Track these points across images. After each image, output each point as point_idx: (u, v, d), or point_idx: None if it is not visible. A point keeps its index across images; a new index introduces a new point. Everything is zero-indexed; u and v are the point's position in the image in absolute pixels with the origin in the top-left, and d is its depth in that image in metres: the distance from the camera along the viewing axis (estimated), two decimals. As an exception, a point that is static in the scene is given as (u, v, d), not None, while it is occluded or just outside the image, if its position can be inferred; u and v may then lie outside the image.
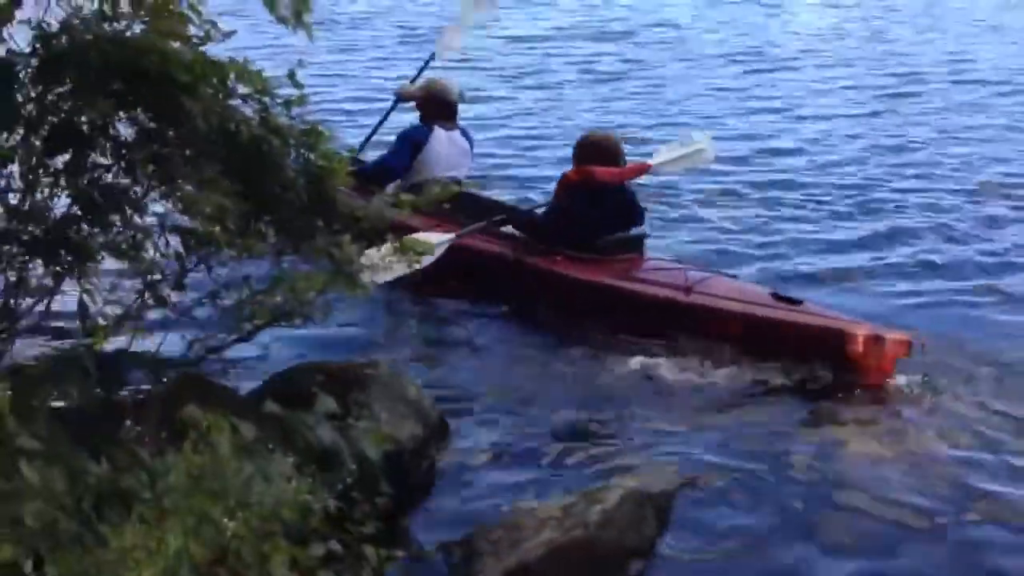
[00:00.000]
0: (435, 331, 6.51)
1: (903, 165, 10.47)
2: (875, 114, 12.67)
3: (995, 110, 13.20)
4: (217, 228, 4.45)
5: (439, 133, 7.53)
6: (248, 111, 4.49)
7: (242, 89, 4.49)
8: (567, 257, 6.68)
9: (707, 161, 7.30)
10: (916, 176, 10.13)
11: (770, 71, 14.97)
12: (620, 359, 6.15)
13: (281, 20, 4.80)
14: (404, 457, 4.94)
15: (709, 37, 17.35)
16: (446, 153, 7.43)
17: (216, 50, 4.43)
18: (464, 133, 7.84)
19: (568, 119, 11.77)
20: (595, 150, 6.73)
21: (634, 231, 6.98)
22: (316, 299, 4.58)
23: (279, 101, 4.51)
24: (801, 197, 9.32)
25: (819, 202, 9.23)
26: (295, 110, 4.58)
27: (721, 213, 8.81)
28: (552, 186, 7.26)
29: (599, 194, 6.61)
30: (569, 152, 7.02)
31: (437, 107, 7.63)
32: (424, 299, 6.65)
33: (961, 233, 8.56)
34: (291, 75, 4.80)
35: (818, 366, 5.82)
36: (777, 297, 6.20)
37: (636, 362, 6.10)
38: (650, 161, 6.94)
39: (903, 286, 7.42)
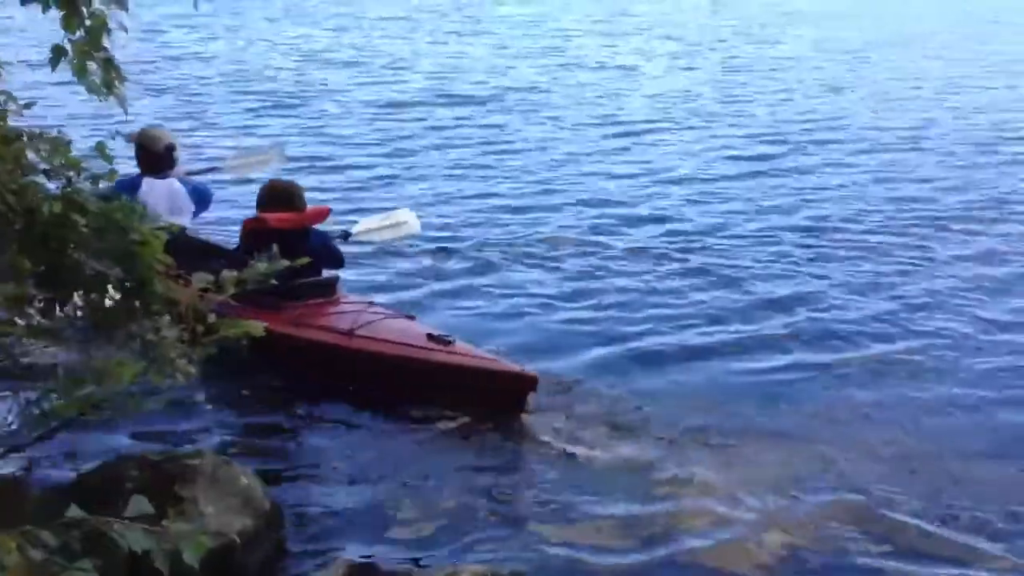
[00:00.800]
0: (264, 412, 6.18)
1: (763, 228, 10.67)
2: (734, 176, 12.89)
3: (849, 167, 13.70)
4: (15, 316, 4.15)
5: (149, 183, 7.40)
6: (52, 186, 4.22)
7: (43, 165, 4.24)
8: (246, 304, 6.47)
9: (412, 233, 7.81)
10: (771, 237, 10.31)
11: (630, 135, 15.15)
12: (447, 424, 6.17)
13: (92, 91, 4.66)
14: (235, 553, 4.64)
15: (568, 101, 17.50)
16: (154, 203, 7.16)
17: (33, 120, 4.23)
18: (184, 182, 7.71)
19: (425, 185, 11.65)
20: (270, 196, 6.88)
21: (325, 275, 7.04)
22: (127, 390, 4.25)
23: (85, 176, 4.27)
24: (660, 265, 9.32)
25: (677, 267, 9.26)
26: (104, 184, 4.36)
27: (578, 285, 8.77)
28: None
29: (278, 240, 6.44)
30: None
31: (146, 158, 7.54)
32: (249, 380, 6.32)
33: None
34: (100, 147, 4.56)
35: (470, 403, 6.16)
36: (431, 337, 6.42)
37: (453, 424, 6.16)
38: (352, 229, 7.38)
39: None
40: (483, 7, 31.85)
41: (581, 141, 14.64)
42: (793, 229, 10.68)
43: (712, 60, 23.65)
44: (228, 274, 4.70)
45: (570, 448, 5.86)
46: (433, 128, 14.72)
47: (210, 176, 8.19)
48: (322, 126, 14.52)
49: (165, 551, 3.79)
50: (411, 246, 9.17)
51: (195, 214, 7.64)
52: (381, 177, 11.91)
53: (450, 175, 12.27)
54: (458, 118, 15.57)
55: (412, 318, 6.92)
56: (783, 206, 11.65)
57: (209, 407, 6.08)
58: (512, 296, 8.37)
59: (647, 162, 13.55)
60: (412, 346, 6.37)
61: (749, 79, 21.03)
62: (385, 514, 5.24)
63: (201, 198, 7.70)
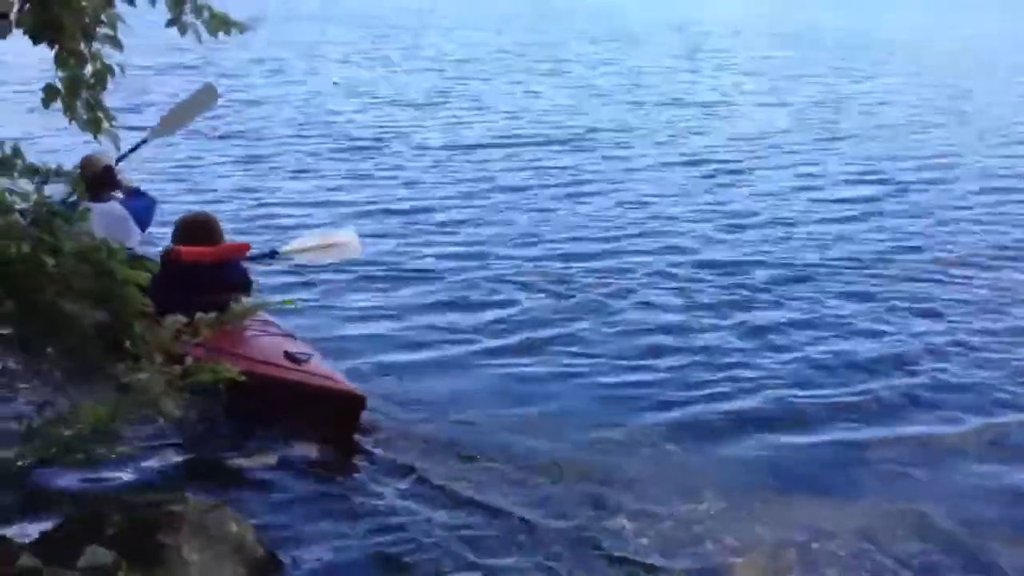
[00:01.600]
0: (255, 454, 5.96)
1: (849, 273, 10.04)
2: (821, 219, 12.18)
3: (958, 209, 13.06)
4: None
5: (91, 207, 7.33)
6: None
7: (18, 203, 4.24)
8: None
9: (353, 255, 7.71)
10: (854, 283, 9.76)
11: (711, 174, 14.65)
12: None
13: (82, 128, 4.69)
14: (220, 603, 4.52)
15: (647, 141, 17.13)
16: (98, 228, 7.09)
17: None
18: (126, 205, 7.70)
19: (503, 227, 11.36)
20: (185, 230, 6.88)
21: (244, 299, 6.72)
22: (102, 432, 4.17)
23: (59, 217, 4.24)
24: (746, 312, 8.86)
25: (763, 317, 8.75)
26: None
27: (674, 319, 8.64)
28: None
29: (191, 271, 6.55)
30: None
31: (88, 182, 7.20)
32: (240, 420, 6.21)
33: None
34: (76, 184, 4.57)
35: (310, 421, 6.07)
36: (287, 355, 6.36)
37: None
38: (282, 248, 7.31)
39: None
40: (558, 47, 31.79)
41: (660, 181, 14.07)
42: (887, 277, 9.98)
43: (797, 95, 23.00)
44: (203, 317, 4.61)
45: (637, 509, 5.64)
46: (509, 170, 14.30)
47: (140, 150, 8.04)
48: (396, 168, 14.28)
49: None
50: (494, 287, 9.11)
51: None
52: (457, 221, 11.54)
53: (527, 216, 11.92)
54: (534, 159, 15.18)
55: (291, 336, 6.82)
56: (873, 250, 11.02)
57: (195, 450, 5.94)
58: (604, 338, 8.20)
59: (724, 203, 12.92)
60: (257, 361, 6.18)
61: (834, 115, 20.42)
62: (387, 561, 5.05)
63: (143, 217, 7.73)
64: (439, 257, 9.97)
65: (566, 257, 10.20)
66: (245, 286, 6.93)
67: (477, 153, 15.52)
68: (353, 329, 8.04)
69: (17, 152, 4.77)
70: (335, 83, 22.33)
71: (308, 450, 6.08)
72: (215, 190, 12.31)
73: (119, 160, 7.80)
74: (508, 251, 10.38)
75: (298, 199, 12.09)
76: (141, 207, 7.81)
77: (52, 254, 4.15)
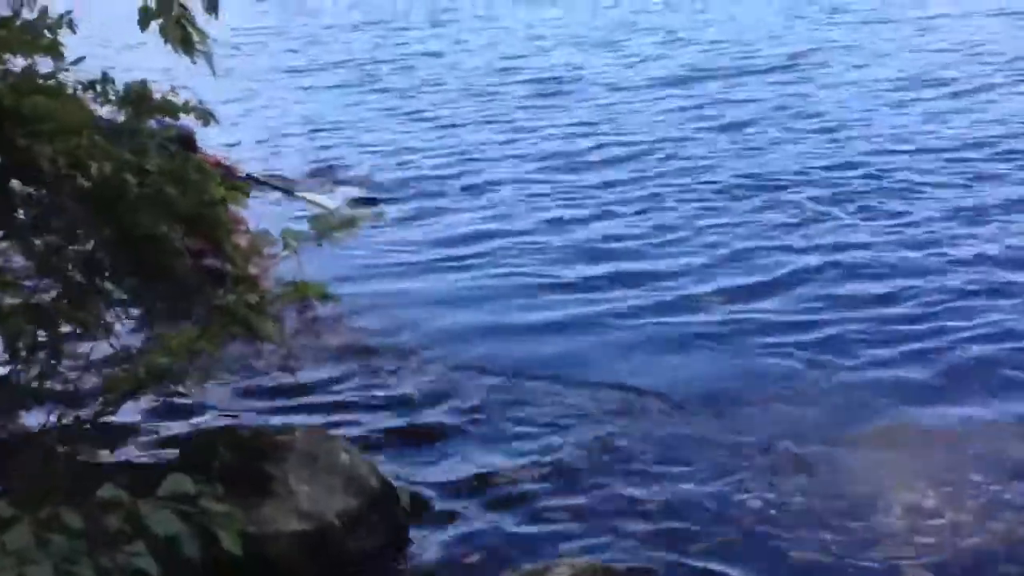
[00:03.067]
0: (376, 387, 5.83)
1: None
2: None
3: None
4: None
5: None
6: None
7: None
8: None
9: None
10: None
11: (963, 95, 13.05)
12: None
13: (175, 47, 4.60)
14: (329, 535, 4.35)
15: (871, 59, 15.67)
16: None
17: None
18: None
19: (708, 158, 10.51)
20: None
21: None
22: (190, 362, 4.07)
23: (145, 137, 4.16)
24: None
25: None
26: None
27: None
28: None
29: None
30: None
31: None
32: (353, 352, 6.04)
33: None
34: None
35: None
36: None
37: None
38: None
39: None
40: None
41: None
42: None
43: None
44: (290, 228, 4.42)
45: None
46: (711, 102, 13.20)
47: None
48: (601, 109, 13.32)
49: (196, 534, 3.58)
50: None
51: None
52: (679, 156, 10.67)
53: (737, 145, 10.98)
54: (737, 88, 14.04)
55: None
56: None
57: (304, 379, 5.82)
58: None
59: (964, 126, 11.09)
60: None
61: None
62: (512, 497, 4.78)
63: None
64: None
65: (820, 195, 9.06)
66: None
67: (678, 87, 14.48)
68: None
69: (107, 78, 4.76)
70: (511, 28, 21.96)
71: (426, 382, 5.81)
72: (392, 141, 12.20)
73: (252, 177, 8.02)
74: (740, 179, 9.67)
75: (487, 148, 11.57)
76: None
77: (138, 173, 4.06)
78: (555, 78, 15.75)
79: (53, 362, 4.34)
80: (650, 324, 6.52)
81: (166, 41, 4.58)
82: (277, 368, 5.67)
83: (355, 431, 5.21)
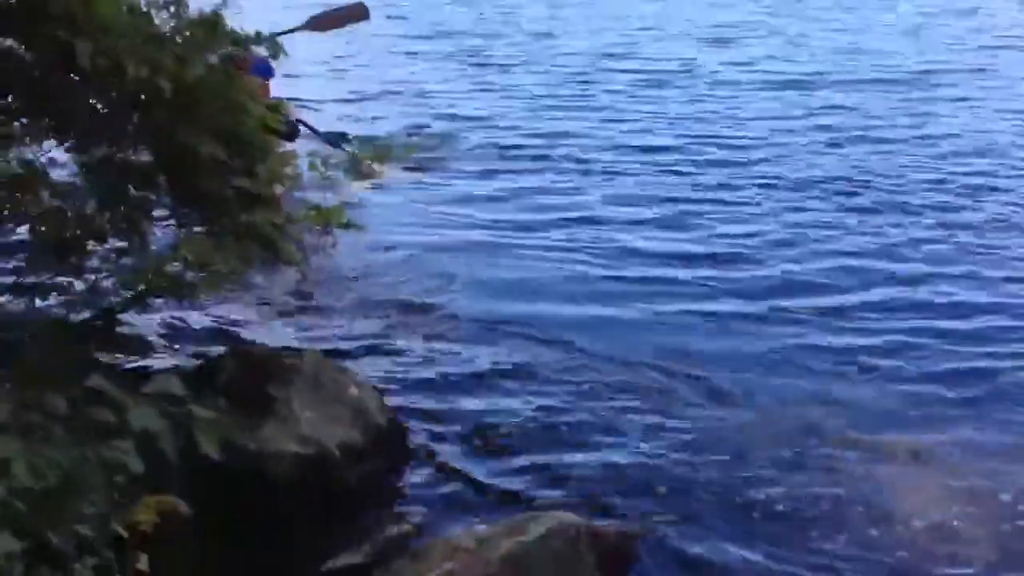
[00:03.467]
0: (401, 321, 5.87)
1: None
2: None
3: None
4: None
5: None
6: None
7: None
8: None
9: (361, 19, 7.72)
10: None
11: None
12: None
13: None
14: (329, 463, 4.37)
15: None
16: None
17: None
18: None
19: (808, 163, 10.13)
20: None
21: None
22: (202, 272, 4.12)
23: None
24: None
25: None
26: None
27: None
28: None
29: None
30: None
31: None
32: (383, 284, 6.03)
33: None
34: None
35: None
36: None
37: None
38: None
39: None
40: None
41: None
42: None
43: None
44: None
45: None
46: (822, 109, 12.69)
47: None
48: (703, 105, 12.93)
49: (174, 435, 3.62)
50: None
51: None
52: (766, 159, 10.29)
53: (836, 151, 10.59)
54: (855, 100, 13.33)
55: None
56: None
57: (325, 305, 5.84)
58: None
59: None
60: None
61: None
62: (513, 450, 4.76)
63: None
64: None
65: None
66: None
67: (792, 92, 13.99)
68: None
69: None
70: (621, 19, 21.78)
71: (446, 331, 5.81)
72: (482, 115, 12.04)
73: (302, 122, 7.91)
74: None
75: (578, 132, 11.25)
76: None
77: (174, 80, 4.11)
78: (661, 71, 15.46)
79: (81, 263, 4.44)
80: (695, 313, 6.35)
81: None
82: (297, 294, 5.68)
83: (367, 366, 5.18)
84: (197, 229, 4.37)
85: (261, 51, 6.48)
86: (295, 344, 5.27)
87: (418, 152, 9.04)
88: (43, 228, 4.35)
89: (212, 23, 5.17)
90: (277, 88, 7.17)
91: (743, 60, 16.66)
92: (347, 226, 4.45)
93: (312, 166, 4.38)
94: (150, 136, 4.31)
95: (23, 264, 4.43)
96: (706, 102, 13.11)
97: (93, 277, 4.40)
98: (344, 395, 4.56)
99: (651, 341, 5.91)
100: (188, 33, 4.82)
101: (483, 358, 5.54)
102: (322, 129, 8.06)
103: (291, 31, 7.30)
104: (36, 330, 3.97)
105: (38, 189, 4.37)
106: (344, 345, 5.42)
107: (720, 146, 10.63)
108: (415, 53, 16.28)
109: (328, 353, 5.03)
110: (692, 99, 13.34)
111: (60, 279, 4.42)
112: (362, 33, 18.11)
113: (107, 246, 4.41)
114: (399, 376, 5.24)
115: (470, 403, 5.10)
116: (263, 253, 4.30)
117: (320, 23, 7.93)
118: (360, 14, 8.01)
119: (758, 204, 8.68)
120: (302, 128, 7.49)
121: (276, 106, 4.70)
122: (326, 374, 4.58)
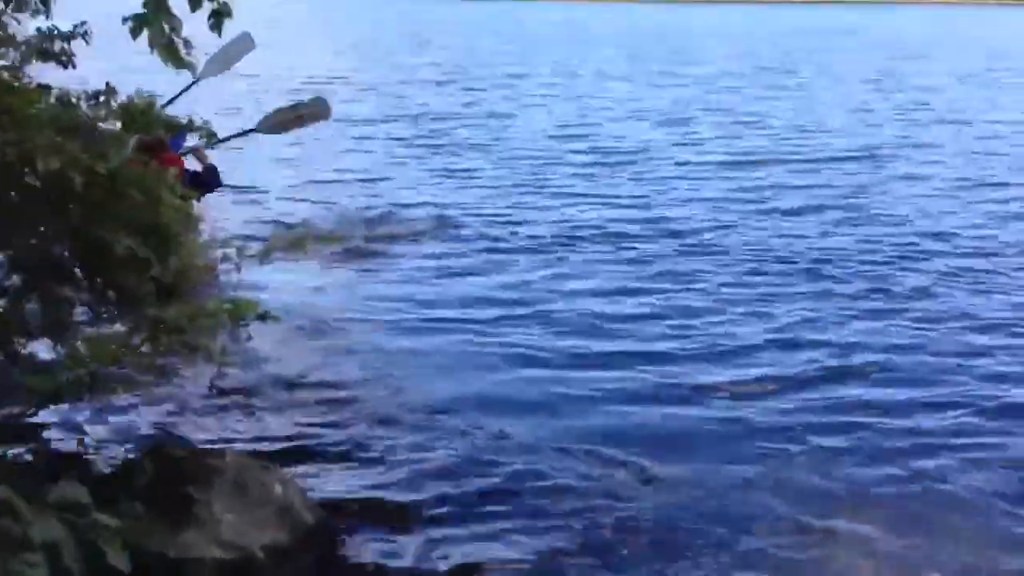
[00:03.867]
0: (318, 412, 5.69)
1: None
2: None
3: None
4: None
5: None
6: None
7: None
8: None
9: (324, 118, 7.70)
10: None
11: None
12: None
13: (163, 58, 4.65)
14: (254, 566, 4.20)
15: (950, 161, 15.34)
16: None
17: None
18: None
19: (776, 240, 10.16)
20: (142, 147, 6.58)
21: None
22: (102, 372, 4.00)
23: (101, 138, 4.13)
24: None
25: None
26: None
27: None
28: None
29: None
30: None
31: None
32: (301, 371, 5.93)
33: None
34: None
35: None
36: None
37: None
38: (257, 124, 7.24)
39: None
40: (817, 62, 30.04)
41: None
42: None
43: None
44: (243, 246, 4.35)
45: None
46: (779, 187, 12.97)
47: (244, 139, 8.01)
48: (658, 186, 13.07)
49: (78, 546, 3.45)
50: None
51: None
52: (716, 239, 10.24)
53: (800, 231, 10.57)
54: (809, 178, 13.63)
55: None
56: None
57: (242, 400, 5.68)
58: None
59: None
60: None
61: None
62: (444, 537, 4.61)
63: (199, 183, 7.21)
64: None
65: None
66: None
67: (745, 170, 14.24)
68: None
69: (110, 90, 4.85)
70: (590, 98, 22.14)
71: (370, 409, 5.70)
72: (433, 196, 12.03)
73: (168, 103, 7.71)
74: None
75: (531, 211, 11.32)
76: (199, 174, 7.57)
77: (86, 174, 4.02)
78: (617, 151, 15.77)
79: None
80: (654, 404, 6.17)
81: (152, 50, 4.66)
82: (216, 389, 5.53)
83: (291, 461, 5.01)
84: (114, 325, 4.21)
85: (192, 139, 6.46)
86: (216, 442, 5.09)
87: (345, 240, 8.92)
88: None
89: (143, 109, 5.21)
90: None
91: (695, 140, 17.03)
92: (264, 317, 4.33)
93: (226, 257, 4.28)
94: (66, 230, 4.20)
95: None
96: (659, 182, 13.31)
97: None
98: (268, 494, 4.41)
99: (587, 423, 5.80)
100: (114, 123, 4.83)
101: (409, 447, 5.37)
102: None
103: (245, 133, 7.26)
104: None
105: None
106: (266, 442, 5.22)
107: (671, 224, 10.77)
108: (369, 137, 16.32)
109: (251, 452, 4.85)
110: (645, 179, 13.53)
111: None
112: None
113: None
114: (324, 471, 5.06)
115: (397, 494, 4.93)
116: (179, 348, 4.16)
117: (278, 123, 7.85)
118: (320, 112, 7.95)
119: (705, 279, 8.75)
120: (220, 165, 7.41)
121: (189, 194, 4.58)
122: (249, 473, 4.44)
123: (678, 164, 14.68)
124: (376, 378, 6.21)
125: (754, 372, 6.65)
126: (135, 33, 4.61)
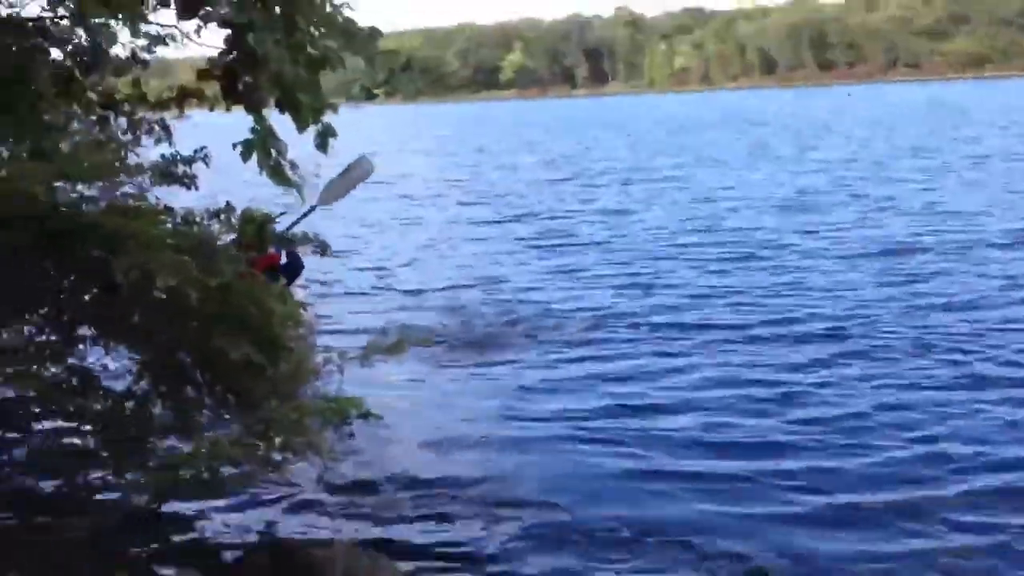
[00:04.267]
0: (416, 501, 5.92)
1: None
2: None
3: None
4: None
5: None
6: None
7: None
8: None
9: (369, 174, 7.79)
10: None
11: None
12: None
13: (271, 178, 5.11)
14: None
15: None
16: None
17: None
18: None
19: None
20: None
21: None
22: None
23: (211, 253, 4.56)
24: None
25: None
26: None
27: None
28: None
29: None
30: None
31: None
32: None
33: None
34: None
35: None
36: None
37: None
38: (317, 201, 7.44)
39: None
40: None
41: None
42: None
43: None
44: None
45: None
46: (926, 275, 12.35)
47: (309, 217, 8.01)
48: (786, 276, 12.66)
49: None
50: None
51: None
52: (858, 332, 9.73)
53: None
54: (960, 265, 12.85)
55: None
56: None
57: (351, 493, 5.94)
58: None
59: None
60: None
61: None
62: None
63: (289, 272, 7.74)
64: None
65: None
66: None
67: (875, 261, 13.54)
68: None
69: (229, 208, 5.34)
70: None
71: (476, 505, 5.88)
72: (555, 298, 11.96)
73: (291, 227, 8.16)
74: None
75: (654, 313, 10.94)
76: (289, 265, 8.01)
77: (201, 289, 4.43)
78: (743, 241, 15.45)
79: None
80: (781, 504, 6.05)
81: (261, 171, 5.14)
82: (323, 481, 5.81)
83: (394, 550, 5.25)
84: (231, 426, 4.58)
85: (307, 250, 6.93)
86: (325, 534, 5.38)
87: (453, 338, 9.16)
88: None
89: (260, 224, 5.68)
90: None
91: (828, 227, 16.48)
92: (366, 416, 4.64)
93: (329, 360, 4.63)
94: (187, 338, 4.61)
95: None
96: (791, 274, 12.83)
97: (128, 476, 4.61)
98: (376, 581, 4.65)
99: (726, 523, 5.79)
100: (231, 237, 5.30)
101: (509, 543, 5.53)
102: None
103: (306, 215, 7.71)
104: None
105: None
106: (372, 534, 5.48)
107: (808, 319, 10.30)
108: (491, 238, 16.85)
109: (358, 543, 5.11)
110: (774, 270, 13.14)
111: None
112: (436, 221, 19.00)
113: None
114: (427, 564, 5.27)
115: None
116: (290, 445, 4.49)
117: (331, 194, 8.09)
118: (367, 170, 8.18)
119: (854, 382, 8.23)
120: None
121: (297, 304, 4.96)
122: (357, 564, 4.69)
123: (808, 253, 14.21)
124: (483, 474, 6.38)
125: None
126: (245, 157, 5.12)
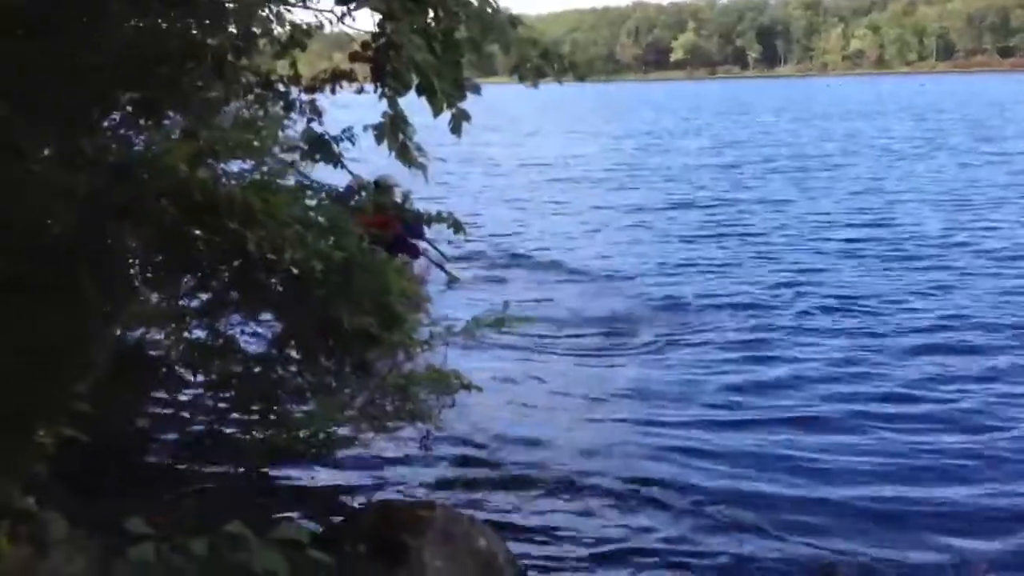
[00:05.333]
0: (520, 470, 6.25)
1: None
2: None
3: None
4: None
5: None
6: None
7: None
8: None
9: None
10: None
11: None
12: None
13: (399, 159, 5.51)
14: (455, 612, 4.83)
15: None
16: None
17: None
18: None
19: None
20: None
21: None
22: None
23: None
24: None
25: None
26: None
27: None
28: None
29: None
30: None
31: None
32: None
33: None
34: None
35: None
36: None
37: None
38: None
39: None
40: None
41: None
42: None
43: None
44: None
45: None
46: None
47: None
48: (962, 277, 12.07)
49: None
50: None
51: None
52: None
53: None
54: None
55: None
56: None
57: (456, 457, 6.35)
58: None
59: None
60: None
61: None
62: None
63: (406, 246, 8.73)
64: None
65: None
66: None
67: None
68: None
69: (363, 185, 5.75)
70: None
71: (582, 476, 6.17)
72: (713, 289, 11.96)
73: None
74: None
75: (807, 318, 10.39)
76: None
77: (323, 260, 4.88)
78: (913, 236, 15.03)
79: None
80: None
81: (390, 151, 5.53)
82: (427, 445, 6.19)
83: (493, 513, 5.66)
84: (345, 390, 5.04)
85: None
86: (427, 495, 5.80)
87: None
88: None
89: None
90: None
91: (1005, 225, 15.86)
92: (468, 387, 5.03)
93: (434, 335, 5.04)
94: (312, 308, 5.07)
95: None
96: (963, 274, 12.29)
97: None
98: (473, 545, 5.01)
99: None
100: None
101: (608, 517, 5.82)
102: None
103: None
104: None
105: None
106: (472, 498, 5.89)
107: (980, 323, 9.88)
108: (637, 225, 16.99)
109: (457, 504, 5.51)
110: (947, 269, 12.63)
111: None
112: (588, 205, 19.27)
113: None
114: (525, 529, 5.61)
115: (588, 550, 5.42)
116: (398, 410, 4.91)
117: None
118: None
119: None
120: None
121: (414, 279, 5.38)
122: (456, 525, 5.06)
123: (983, 253, 13.60)
124: (584, 447, 6.69)
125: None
126: (378, 139, 5.52)
